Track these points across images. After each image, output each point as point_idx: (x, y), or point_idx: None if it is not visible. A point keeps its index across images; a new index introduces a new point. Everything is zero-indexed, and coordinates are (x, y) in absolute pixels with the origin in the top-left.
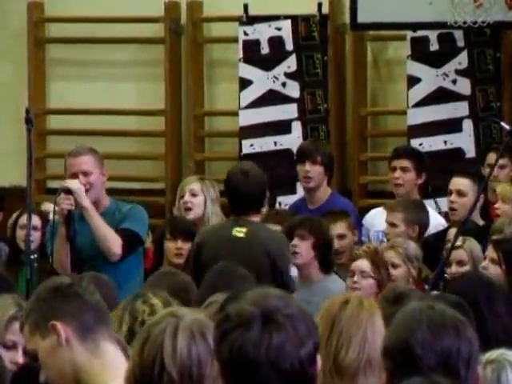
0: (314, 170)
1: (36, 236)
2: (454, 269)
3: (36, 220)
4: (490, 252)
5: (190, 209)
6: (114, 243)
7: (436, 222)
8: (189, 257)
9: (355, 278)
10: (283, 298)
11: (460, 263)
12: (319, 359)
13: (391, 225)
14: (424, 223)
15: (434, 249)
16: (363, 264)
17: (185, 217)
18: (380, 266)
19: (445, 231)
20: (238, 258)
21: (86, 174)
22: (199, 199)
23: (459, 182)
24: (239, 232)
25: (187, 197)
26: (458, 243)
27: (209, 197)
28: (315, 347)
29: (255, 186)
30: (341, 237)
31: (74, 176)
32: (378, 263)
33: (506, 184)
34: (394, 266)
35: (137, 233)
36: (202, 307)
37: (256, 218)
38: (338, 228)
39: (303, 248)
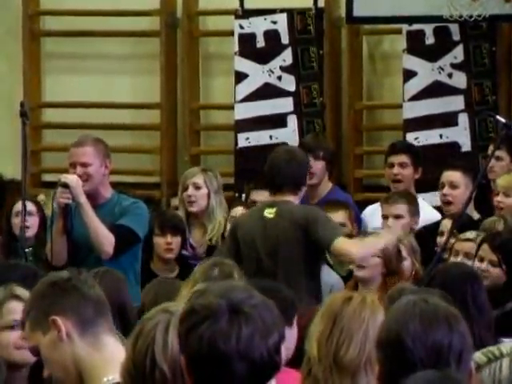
0: (316, 166)
1: (32, 222)
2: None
3: (31, 205)
4: (488, 254)
5: (194, 202)
6: (106, 242)
7: (430, 216)
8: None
9: None
10: (247, 289)
11: (468, 255)
12: (283, 349)
13: (396, 217)
14: (419, 215)
15: (426, 241)
16: None
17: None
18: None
19: (436, 224)
20: (268, 239)
21: (84, 164)
22: (203, 192)
23: (451, 175)
24: (269, 213)
25: (191, 190)
26: (470, 236)
27: (212, 188)
28: (280, 337)
29: (296, 164)
30: (341, 225)
31: (73, 165)
32: None
33: (507, 175)
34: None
35: (133, 230)
36: None
37: (292, 198)
38: (339, 216)
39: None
